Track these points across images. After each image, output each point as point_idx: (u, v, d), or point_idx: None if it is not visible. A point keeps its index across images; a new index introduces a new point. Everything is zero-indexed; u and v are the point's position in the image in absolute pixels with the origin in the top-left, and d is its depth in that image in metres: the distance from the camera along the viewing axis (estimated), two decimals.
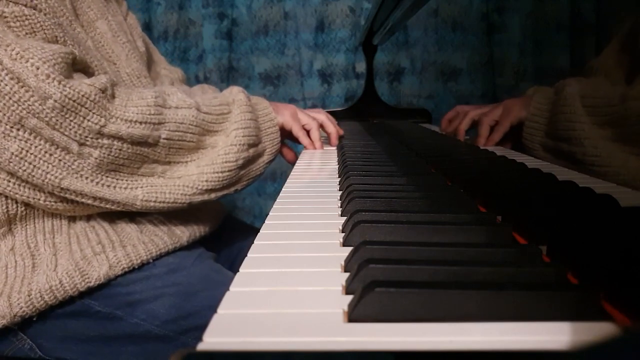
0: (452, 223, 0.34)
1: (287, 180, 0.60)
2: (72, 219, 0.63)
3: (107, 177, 0.57)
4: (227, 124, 0.68)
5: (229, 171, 0.66)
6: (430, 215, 0.37)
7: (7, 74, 0.50)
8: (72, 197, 0.57)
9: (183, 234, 0.69)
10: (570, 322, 0.22)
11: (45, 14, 0.56)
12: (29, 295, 0.56)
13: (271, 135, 0.74)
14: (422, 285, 0.23)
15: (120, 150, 0.56)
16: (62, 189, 0.56)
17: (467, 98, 1.60)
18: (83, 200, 0.58)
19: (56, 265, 0.58)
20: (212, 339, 0.21)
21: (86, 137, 0.53)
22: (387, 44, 1.59)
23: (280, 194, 0.51)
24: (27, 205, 0.59)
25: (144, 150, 0.59)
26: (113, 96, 0.56)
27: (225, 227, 0.84)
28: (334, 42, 1.62)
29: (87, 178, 0.56)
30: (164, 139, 0.60)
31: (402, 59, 1.62)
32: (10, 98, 0.50)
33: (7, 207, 0.59)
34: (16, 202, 0.59)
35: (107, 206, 0.60)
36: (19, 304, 0.56)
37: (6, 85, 0.50)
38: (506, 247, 0.30)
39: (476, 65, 1.58)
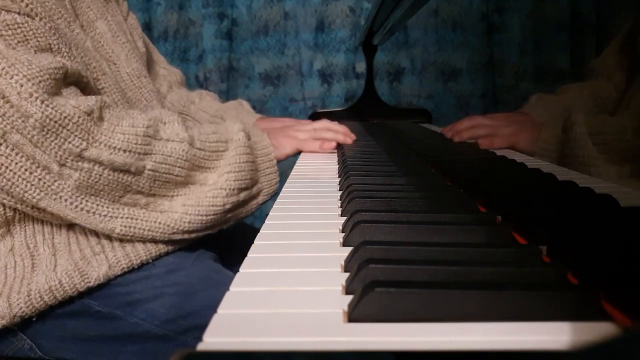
0: (452, 223, 0.34)
1: (287, 180, 0.60)
2: None
3: (86, 201, 0.55)
4: (221, 161, 0.65)
5: (214, 215, 0.63)
6: (430, 215, 0.37)
7: None
8: (50, 216, 0.56)
9: None
10: (570, 322, 0.22)
11: (40, 19, 0.55)
12: (28, 296, 0.56)
13: (269, 175, 0.72)
14: (422, 285, 0.23)
15: (100, 175, 0.54)
16: (39, 208, 0.55)
17: (467, 98, 1.60)
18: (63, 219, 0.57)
19: (55, 266, 0.58)
20: (212, 339, 0.21)
21: (66, 158, 0.52)
22: (387, 44, 1.59)
23: (280, 194, 0.51)
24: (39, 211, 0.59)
25: (126, 179, 0.56)
26: (101, 119, 0.55)
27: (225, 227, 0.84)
28: (334, 42, 1.62)
29: (66, 200, 0.54)
30: (148, 169, 0.58)
31: (402, 59, 1.62)
32: None
33: (4, 210, 0.59)
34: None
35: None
36: (18, 304, 0.56)
37: None
38: (506, 247, 0.30)
39: (476, 65, 1.58)
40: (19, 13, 0.53)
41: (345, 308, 0.24)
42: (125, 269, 0.61)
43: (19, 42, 0.53)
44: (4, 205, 0.58)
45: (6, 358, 0.61)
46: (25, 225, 0.60)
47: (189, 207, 0.62)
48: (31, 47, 0.54)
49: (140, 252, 0.62)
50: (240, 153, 0.66)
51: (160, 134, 0.60)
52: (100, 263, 0.59)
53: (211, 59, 1.66)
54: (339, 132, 0.84)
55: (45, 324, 0.59)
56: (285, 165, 0.75)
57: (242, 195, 0.66)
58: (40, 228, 0.61)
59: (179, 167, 0.60)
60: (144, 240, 0.62)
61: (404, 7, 0.95)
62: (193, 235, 0.64)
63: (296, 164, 0.72)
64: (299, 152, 0.80)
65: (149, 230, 0.60)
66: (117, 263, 0.60)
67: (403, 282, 0.24)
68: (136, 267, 0.62)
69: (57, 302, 0.58)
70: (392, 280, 0.24)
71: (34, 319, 0.58)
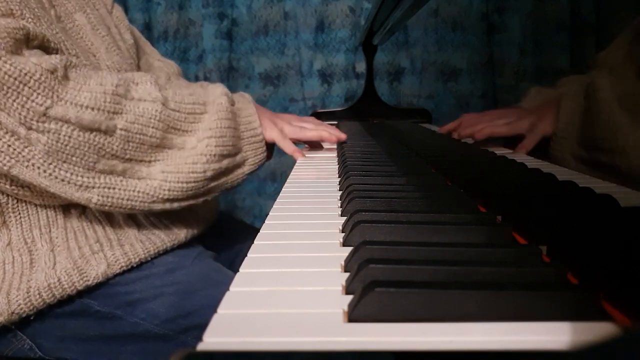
0: (452, 223, 0.34)
1: (287, 180, 0.60)
2: (67, 211, 0.62)
3: (59, 169, 0.53)
4: (199, 125, 0.62)
5: (194, 182, 0.61)
6: (430, 215, 0.37)
7: None
8: (27, 185, 0.55)
9: (181, 231, 0.68)
10: (570, 322, 0.22)
11: None
12: (27, 293, 0.56)
13: (254, 144, 0.69)
14: (422, 285, 0.23)
15: (69, 137, 0.52)
16: (12, 175, 0.53)
17: (467, 98, 1.60)
18: (39, 189, 0.55)
19: (55, 263, 0.58)
20: (212, 339, 0.21)
21: (31, 119, 0.50)
22: (387, 44, 1.59)
23: (280, 194, 0.51)
24: (17, 185, 0.58)
25: (97, 140, 0.54)
26: (66, 78, 0.53)
27: (225, 227, 0.84)
28: (334, 42, 1.62)
29: (38, 168, 0.53)
30: (120, 129, 0.55)
31: (402, 59, 1.62)
32: None
33: None
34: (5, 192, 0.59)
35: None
36: (17, 301, 0.56)
37: None
38: (506, 247, 0.30)
39: (476, 65, 1.58)
40: None
41: (345, 308, 0.24)
42: (124, 268, 0.61)
43: None
44: None
45: (6, 358, 0.61)
46: (20, 218, 0.60)
47: (168, 174, 0.60)
48: None
49: (138, 251, 0.62)
50: (222, 118, 0.63)
51: (131, 94, 0.58)
52: (98, 262, 0.59)
53: (211, 59, 1.66)
54: (331, 131, 0.80)
55: (44, 324, 0.59)
56: (285, 165, 0.74)
57: (225, 162, 0.64)
58: (35, 221, 0.60)
59: (152, 127, 0.58)
60: (122, 211, 0.60)
61: (404, 7, 0.95)
62: (175, 204, 0.62)
63: (296, 164, 0.72)
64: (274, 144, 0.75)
65: (127, 199, 0.58)
66: (115, 262, 0.60)
67: (403, 282, 0.24)
68: (135, 266, 0.62)
69: (56, 301, 0.58)
70: (392, 280, 0.24)
71: (32, 318, 0.58)
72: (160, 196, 0.60)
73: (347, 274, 0.28)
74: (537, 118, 0.73)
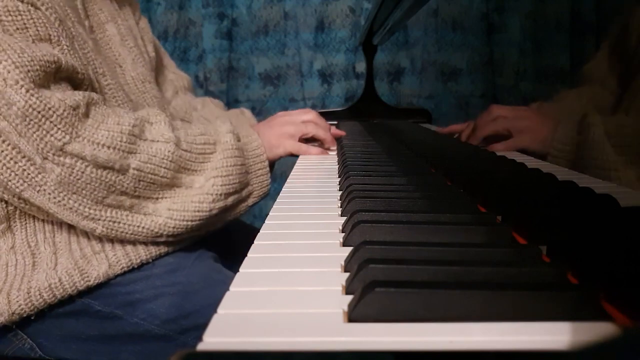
0: (452, 223, 0.34)
1: (287, 180, 0.60)
2: None
3: (68, 198, 0.55)
4: (207, 164, 0.64)
5: (199, 220, 0.62)
6: (430, 215, 0.37)
7: None
8: (36, 208, 0.56)
9: None
10: (570, 322, 0.22)
11: (46, 9, 0.55)
12: (28, 293, 0.56)
13: (261, 177, 0.71)
14: (422, 285, 0.23)
15: (82, 172, 0.53)
16: (23, 198, 0.55)
17: (467, 98, 1.60)
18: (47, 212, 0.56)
19: (56, 264, 0.59)
20: (212, 339, 0.21)
21: (47, 151, 0.52)
22: (387, 44, 1.59)
23: (280, 194, 0.51)
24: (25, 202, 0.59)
25: (110, 178, 0.55)
26: (86, 115, 0.54)
27: (225, 227, 0.84)
28: (334, 42, 1.62)
29: (49, 194, 0.54)
30: (133, 169, 0.57)
31: (402, 59, 1.62)
32: None
33: (5, 205, 0.59)
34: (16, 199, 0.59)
35: None
36: (17, 301, 0.56)
37: None
38: (506, 247, 0.30)
39: (476, 65, 1.58)
40: (22, 1, 0.53)
41: (345, 308, 0.24)
42: (125, 269, 0.61)
43: (17, 28, 0.53)
44: (5, 201, 0.58)
45: (7, 358, 0.61)
46: (26, 223, 0.61)
47: (174, 212, 0.60)
48: (30, 35, 0.54)
49: (140, 252, 0.62)
50: (228, 156, 0.65)
51: (145, 134, 0.59)
52: (100, 262, 0.60)
53: (211, 59, 1.66)
54: (327, 132, 0.82)
55: (45, 323, 0.59)
56: (285, 165, 0.74)
57: (230, 199, 0.65)
58: (41, 227, 0.61)
59: (164, 167, 0.59)
60: (126, 242, 0.61)
61: (404, 7, 0.95)
62: (177, 239, 0.63)
63: (296, 164, 0.72)
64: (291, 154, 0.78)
65: (131, 233, 0.59)
66: (117, 262, 0.60)
67: (403, 282, 0.24)
68: (136, 266, 0.62)
69: (57, 301, 0.58)
70: (392, 280, 0.24)
71: (32, 318, 0.58)
72: (165, 233, 0.61)
73: (347, 274, 0.28)
74: (535, 130, 0.74)
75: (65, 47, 0.57)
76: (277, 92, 1.67)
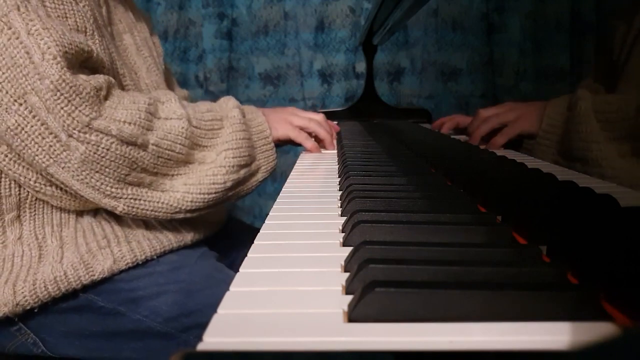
0: (452, 223, 0.34)
1: (287, 180, 0.60)
2: (80, 212, 0.64)
3: (91, 177, 0.56)
4: (217, 140, 0.66)
5: (215, 193, 0.64)
6: (430, 215, 0.37)
7: (22, 48, 0.51)
8: (59, 184, 0.58)
9: (188, 233, 0.70)
10: (570, 322, 0.22)
11: (84, 5, 0.58)
12: (33, 285, 0.57)
13: (266, 152, 0.73)
14: (422, 285, 0.23)
15: (107, 149, 0.55)
16: (48, 173, 0.56)
17: (467, 98, 1.60)
18: (68, 190, 0.58)
19: (62, 258, 0.60)
20: (212, 339, 0.21)
21: (74, 128, 0.53)
22: (387, 44, 1.59)
23: (280, 194, 0.51)
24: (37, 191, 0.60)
25: (132, 154, 0.57)
26: (106, 98, 0.56)
27: (226, 226, 0.84)
28: (334, 42, 1.62)
29: (73, 171, 0.55)
30: (152, 144, 0.58)
31: (402, 59, 1.62)
32: (20, 71, 0.51)
33: (19, 190, 0.60)
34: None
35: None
36: (22, 292, 0.57)
37: (20, 57, 0.51)
38: (506, 247, 0.30)
39: (476, 65, 1.58)
40: None
41: (345, 308, 0.24)
42: (130, 264, 0.62)
43: (58, 16, 0.56)
44: (19, 186, 0.59)
45: (10, 355, 0.61)
46: (35, 214, 0.62)
47: (190, 186, 0.62)
48: (69, 24, 0.57)
49: (145, 248, 0.63)
50: (237, 130, 0.67)
51: (159, 113, 0.61)
52: (105, 257, 0.60)
53: (211, 59, 1.66)
54: (329, 135, 0.84)
55: (48, 318, 0.60)
56: (285, 165, 0.75)
57: (242, 172, 0.67)
58: (49, 220, 0.62)
59: (179, 144, 0.61)
60: (147, 218, 0.63)
61: (404, 7, 0.95)
62: (195, 213, 0.64)
63: (296, 164, 0.72)
64: (290, 141, 0.79)
65: (152, 210, 0.61)
66: (121, 258, 0.61)
67: (403, 282, 0.24)
68: (140, 262, 0.63)
69: (61, 295, 0.58)
70: (392, 280, 0.24)
71: (36, 311, 0.58)
72: (184, 207, 0.62)
73: (347, 274, 0.28)
74: (526, 113, 0.77)
75: (97, 41, 0.59)
76: (277, 92, 1.67)
